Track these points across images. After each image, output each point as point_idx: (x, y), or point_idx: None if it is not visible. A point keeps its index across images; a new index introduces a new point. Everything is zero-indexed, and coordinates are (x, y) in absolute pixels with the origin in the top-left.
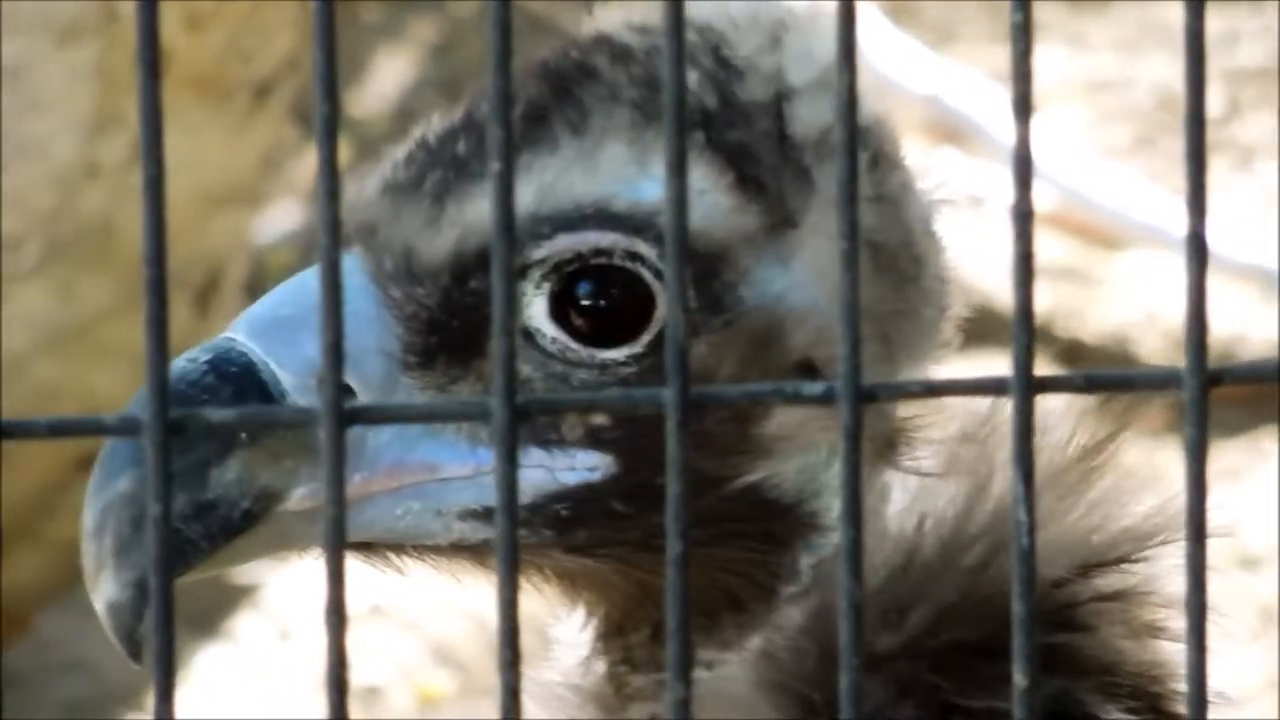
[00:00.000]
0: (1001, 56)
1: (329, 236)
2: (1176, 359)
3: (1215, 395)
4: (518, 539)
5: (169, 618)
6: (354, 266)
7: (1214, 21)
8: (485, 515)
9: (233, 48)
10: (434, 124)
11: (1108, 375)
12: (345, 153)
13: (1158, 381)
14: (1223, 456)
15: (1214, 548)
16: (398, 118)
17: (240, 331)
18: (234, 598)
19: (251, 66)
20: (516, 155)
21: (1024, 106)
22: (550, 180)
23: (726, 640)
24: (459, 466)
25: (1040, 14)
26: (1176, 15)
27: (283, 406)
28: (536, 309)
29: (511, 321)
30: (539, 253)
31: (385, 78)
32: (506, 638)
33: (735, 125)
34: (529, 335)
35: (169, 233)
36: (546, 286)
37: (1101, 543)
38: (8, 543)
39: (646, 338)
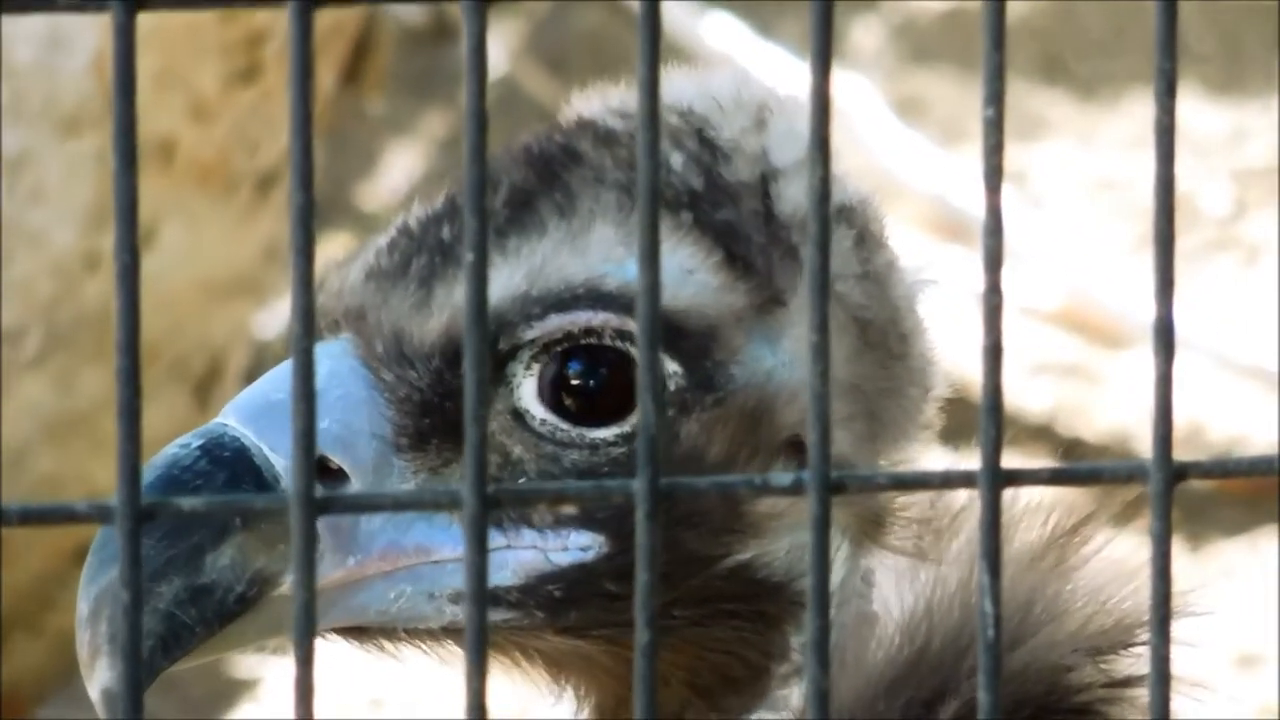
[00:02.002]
0: (1010, 155)
1: (301, 325)
2: (1177, 457)
3: (1216, 492)
4: (487, 627)
5: (138, 701)
6: (344, 350)
7: (1221, 120)
8: None
9: (238, 139)
10: (415, 210)
11: (1075, 469)
12: (354, 245)
13: (1124, 475)
14: (1221, 555)
15: (1211, 646)
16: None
17: (232, 417)
18: (234, 691)
19: (256, 158)
20: (504, 239)
21: (995, 203)
22: (540, 262)
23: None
24: (452, 549)
25: (1049, 111)
26: (1183, 113)
27: (254, 495)
28: (527, 390)
29: (483, 410)
30: (530, 333)
31: (396, 171)
32: None
33: (722, 205)
34: (519, 416)
35: (170, 323)
36: (536, 367)
37: (1105, 627)
38: (7, 634)
39: (634, 418)
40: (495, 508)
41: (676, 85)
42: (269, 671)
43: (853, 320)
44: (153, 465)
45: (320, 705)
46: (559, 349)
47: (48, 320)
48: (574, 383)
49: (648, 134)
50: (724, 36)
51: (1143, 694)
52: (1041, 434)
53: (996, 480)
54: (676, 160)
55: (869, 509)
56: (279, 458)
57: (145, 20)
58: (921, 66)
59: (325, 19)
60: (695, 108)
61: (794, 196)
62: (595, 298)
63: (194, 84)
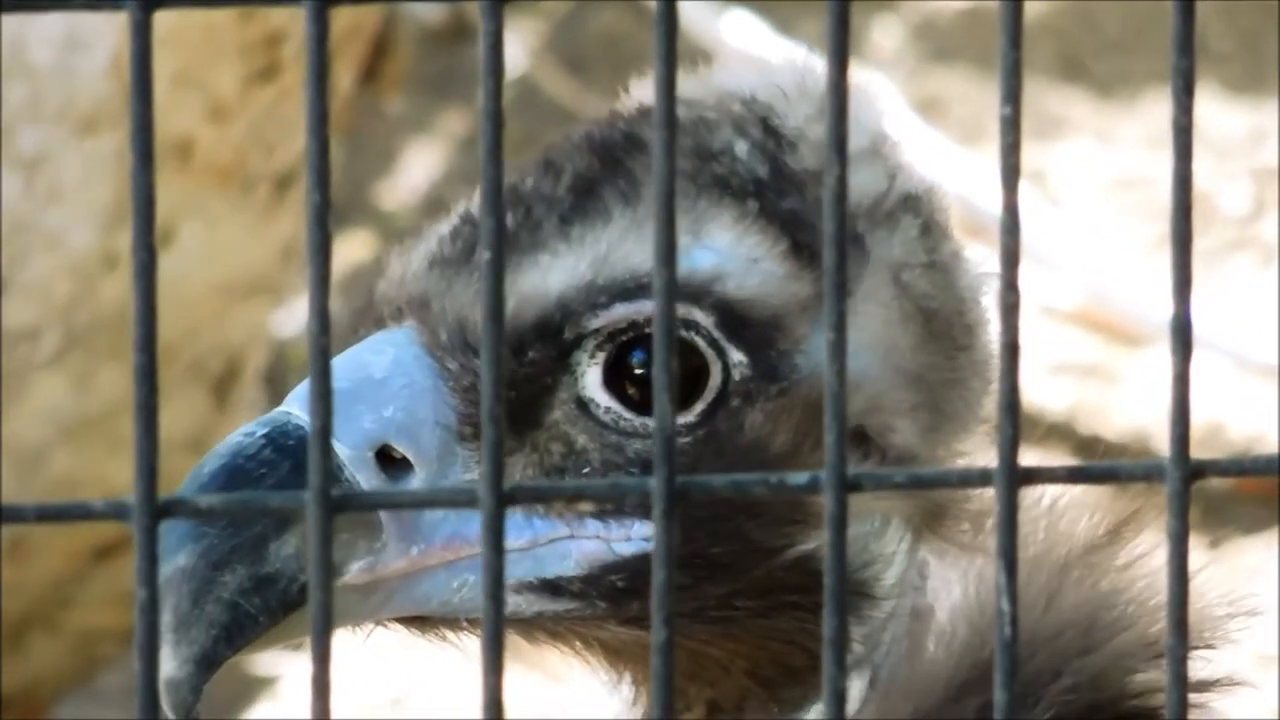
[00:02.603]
0: (1029, 154)
1: (318, 324)
2: (1197, 456)
3: (1235, 491)
4: (503, 624)
5: (154, 699)
6: (408, 339)
7: (1240, 120)
8: (540, 588)
9: (255, 139)
10: (476, 199)
11: (1092, 468)
12: (373, 244)
13: (1141, 474)
14: (1243, 554)
15: (1233, 646)
16: (427, 209)
17: (296, 405)
18: (253, 689)
19: (274, 158)
20: (569, 226)
21: (1012, 201)
22: (605, 251)
23: (785, 712)
24: (514, 539)
25: (1067, 110)
26: (1202, 113)
27: (271, 493)
28: (591, 379)
29: (499, 408)
30: (595, 322)
31: (415, 170)
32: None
33: (787, 194)
34: (584, 405)
35: (189, 324)
36: (601, 356)
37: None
38: (24, 632)
39: (700, 406)
40: (511, 505)
41: (739, 74)
42: (288, 669)
43: (918, 310)
44: (216, 454)
45: (342, 704)
46: (624, 338)
47: (65, 320)
48: (638, 372)
49: (664, 133)
50: (743, 35)
51: (1210, 698)
52: (1061, 433)
53: (1014, 479)
54: (741, 148)
55: (932, 500)
56: (343, 446)
57: (163, 21)
58: (941, 66)
59: (344, 19)
60: (759, 96)
61: (859, 184)
62: None
63: (212, 84)
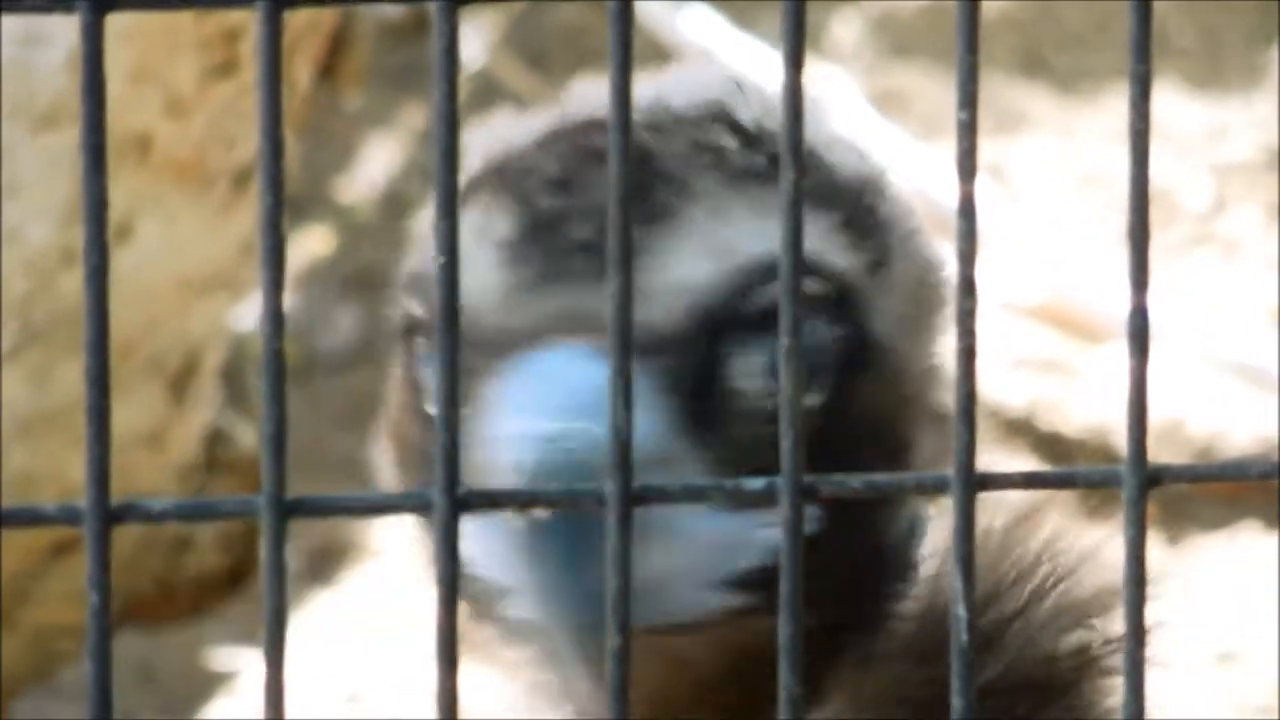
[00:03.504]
0: (988, 149)
1: (271, 327)
2: (1157, 452)
3: (1195, 488)
4: (457, 625)
5: (108, 702)
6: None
7: (1201, 115)
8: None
9: (214, 134)
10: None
11: (1049, 474)
12: (332, 238)
13: (1098, 480)
14: (1200, 551)
15: (1190, 643)
16: (386, 203)
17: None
18: (211, 684)
19: (233, 153)
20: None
21: (969, 204)
22: (736, 240)
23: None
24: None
25: (1031, 106)
26: (1165, 109)
27: (223, 499)
28: (745, 366)
29: (454, 412)
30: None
31: (375, 164)
32: None
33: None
34: (740, 395)
35: (147, 319)
36: (748, 342)
37: (1082, 599)
38: None
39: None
40: (466, 510)
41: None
42: (246, 664)
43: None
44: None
45: (298, 701)
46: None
47: (23, 316)
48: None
49: (618, 137)
50: (701, 30)
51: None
52: (1020, 428)
53: (970, 484)
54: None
55: None
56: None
57: (121, 17)
58: (901, 60)
59: (302, 15)
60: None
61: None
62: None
63: (170, 79)
